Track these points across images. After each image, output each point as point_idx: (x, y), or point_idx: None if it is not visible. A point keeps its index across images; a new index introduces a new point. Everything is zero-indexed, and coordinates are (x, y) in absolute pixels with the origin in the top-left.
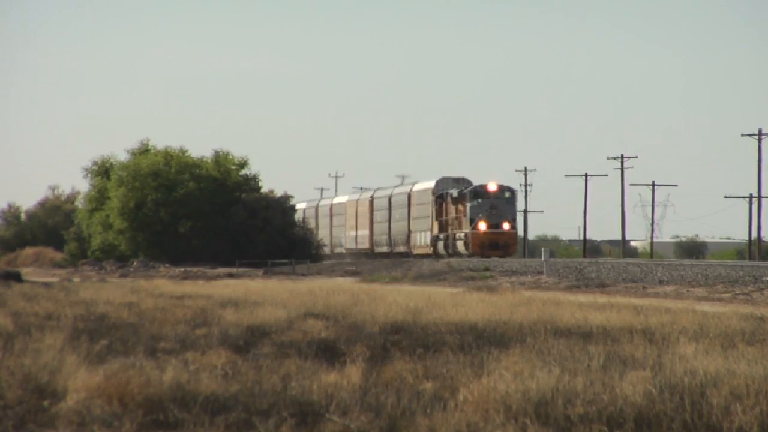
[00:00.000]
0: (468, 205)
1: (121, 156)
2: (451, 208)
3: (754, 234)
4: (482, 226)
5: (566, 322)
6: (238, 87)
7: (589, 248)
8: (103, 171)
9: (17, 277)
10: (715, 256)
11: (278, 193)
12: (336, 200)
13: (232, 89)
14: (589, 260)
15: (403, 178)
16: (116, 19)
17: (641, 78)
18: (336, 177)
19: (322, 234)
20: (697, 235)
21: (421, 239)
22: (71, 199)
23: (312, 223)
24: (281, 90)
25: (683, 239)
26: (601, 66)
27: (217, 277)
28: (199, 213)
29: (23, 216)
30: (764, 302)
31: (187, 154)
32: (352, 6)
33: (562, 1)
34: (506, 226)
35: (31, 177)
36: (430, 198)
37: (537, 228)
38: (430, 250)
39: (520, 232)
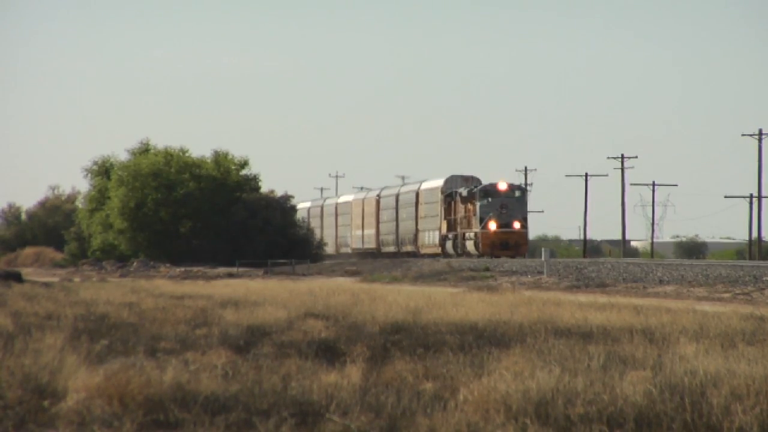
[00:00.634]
0: (478, 204)
1: (122, 156)
2: (460, 207)
3: (755, 234)
4: (492, 225)
5: (566, 322)
6: (238, 87)
7: (590, 248)
8: (103, 171)
9: (17, 277)
10: (715, 256)
11: (278, 193)
12: (342, 199)
13: (232, 89)
14: (589, 260)
15: (403, 178)
16: (116, 19)
17: (641, 78)
18: (336, 177)
19: (328, 233)
20: (697, 235)
21: (430, 239)
22: (71, 199)
23: (317, 223)
24: (281, 90)
25: (683, 239)
26: (600, 66)
27: (217, 277)
28: (200, 213)
29: (23, 216)
30: (764, 302)
31: (187, 154)
32: (352, 5)
33: (563, 1)
34: (517, 225)
35: (32, 177)
36: (439, 197)
37: (537, 228)
38: (438, 250)
39: None
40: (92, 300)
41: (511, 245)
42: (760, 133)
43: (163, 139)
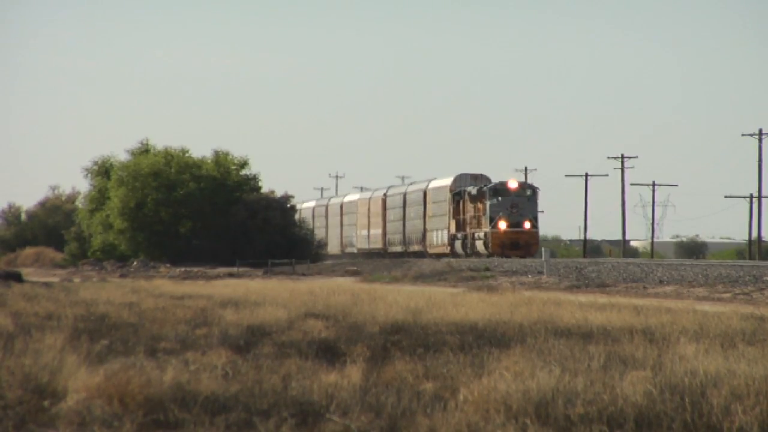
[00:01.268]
0: (487, 203)
1: (121, 156)
2: (470, 206)
3: (755, 234)
4: (502, 225)
5: (566, 322)
6: (238, 87)
7: (590, 248)
8: (103, 171)
9: (17, 277)
10: (715, 256)
11: (278, 193)
12: (347, 199)
13: (232, 89)
14: (589, 260)
15: (403, 178)
16: (116, 19)
17: (641, 78)
18: (336, 177)
19: (333, 233)
20: (697, 235)
21: (438, 238)
22: (71, 199)
23: (321, 223)
24: (281, 90)
25: (683, 239)
26: (600, 66)
27: (218, 277)
28: (200, 213)
29: (24, 216)
30: (764, 302)
31: (187, 154)
32: (352, 5)
33: (563, 0)
34: (527, 225)
35: (32, 177)
36: (447, 195)
37: None
38: (447, 250)
39: None
40: (92, 300)
41: (522, 245)
42: (760, 133)
43: (163, 140)
